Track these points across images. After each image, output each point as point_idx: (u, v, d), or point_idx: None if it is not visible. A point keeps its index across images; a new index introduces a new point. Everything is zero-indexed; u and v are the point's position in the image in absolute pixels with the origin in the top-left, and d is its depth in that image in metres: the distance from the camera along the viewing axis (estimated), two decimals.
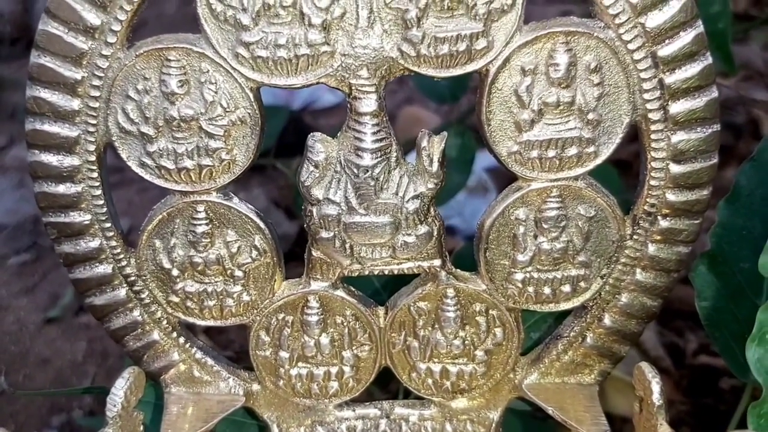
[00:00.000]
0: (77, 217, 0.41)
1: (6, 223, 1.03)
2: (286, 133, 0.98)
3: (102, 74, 0.38)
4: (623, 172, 0.78)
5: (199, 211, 0.41)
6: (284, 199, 1.03)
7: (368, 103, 0.39)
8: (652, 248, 0.42)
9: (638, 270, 0.43)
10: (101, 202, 0.41)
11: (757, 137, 1.13)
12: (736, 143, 1.16)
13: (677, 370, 0.76)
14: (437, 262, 0.42)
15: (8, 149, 1.26)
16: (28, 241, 1.01)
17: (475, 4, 0.37)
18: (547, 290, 0.43)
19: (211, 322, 0.44)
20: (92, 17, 0.37)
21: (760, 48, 1.26)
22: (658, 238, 0.42)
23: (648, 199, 0.41)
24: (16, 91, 1.40)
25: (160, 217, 0.41)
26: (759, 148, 0.47)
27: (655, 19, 0.37)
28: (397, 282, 0.45)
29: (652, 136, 0.39)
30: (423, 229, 0.41)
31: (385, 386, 0.54)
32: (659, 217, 0.41)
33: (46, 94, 0.38)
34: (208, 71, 0.38)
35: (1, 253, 1.00)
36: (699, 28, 0.37)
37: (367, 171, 0.40)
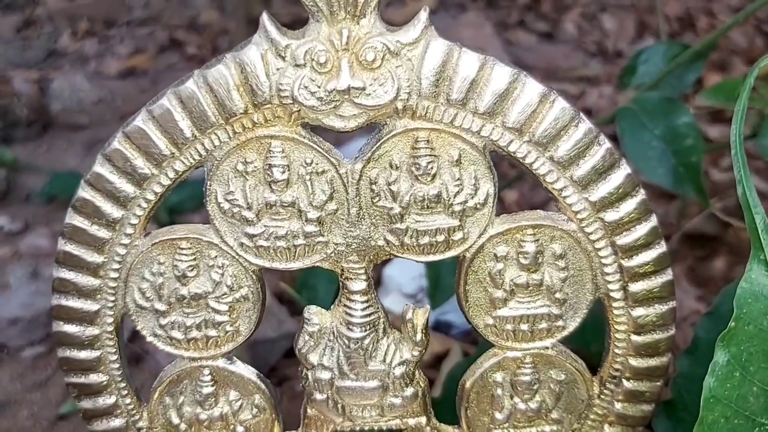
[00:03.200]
0: (96, 379, 0.46)
1: (21, 316, 1.07)
2: None
3: (121, 259, 0.43)
4: None
5: (206, 374, 0.45)
6: (287, 293, 1.06)
7: (358, 284, 0.43)
8: (618, 406, 0.46)
9: (606, 425, 0.47)
10: (117, 365, 0.45)
11: None
12: (725, 231, 1.18)
13: None
14: (423, 420, 0.46)
15: (23, 235, 1.30)
16: (42, 334, 1.05)
17: (452, 204, 0.41)
18: None
19: None
20: (114, 212, 0.42)
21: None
22: (623, 397, 0.46)
23: (613, 365, 0.45)
24: (32, 175, 1.43)
25: (171, 378, 0.46)
26: (716, 302, 0.51)
27: (612, 215, 0.41)
28: None
29: (615, 312, 0.44)
30: (409, 390, 0.45)
31: None
32: (623, 380, 0.45)
33: (70, 275, 0.43)
34: (215, 257, 0.43)
35: (15, 345, 1.04)
36: (652, 222, 0.42)
37: (357, 342, 0.44)
